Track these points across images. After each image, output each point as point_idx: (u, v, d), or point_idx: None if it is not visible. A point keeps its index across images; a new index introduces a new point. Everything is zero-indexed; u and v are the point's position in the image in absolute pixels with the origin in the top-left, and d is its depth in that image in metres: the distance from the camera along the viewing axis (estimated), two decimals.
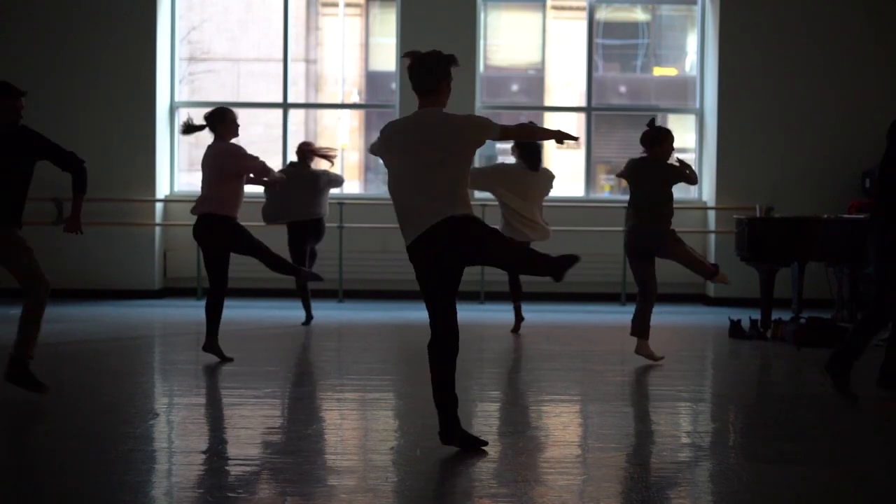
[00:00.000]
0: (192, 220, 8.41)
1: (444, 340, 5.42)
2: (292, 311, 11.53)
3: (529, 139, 8.98)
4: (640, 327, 8.39)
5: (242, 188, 8.41)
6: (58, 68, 13.28)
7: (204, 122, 8.46)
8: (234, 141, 8.50)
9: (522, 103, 14.53)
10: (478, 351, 9.34)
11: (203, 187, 8.38)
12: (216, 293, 8.31)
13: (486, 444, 5.51)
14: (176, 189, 13.76)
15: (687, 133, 13.95)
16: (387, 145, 5.57)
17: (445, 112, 5.51)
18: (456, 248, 5.34)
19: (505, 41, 14.50)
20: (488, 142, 5.65)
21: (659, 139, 8.42)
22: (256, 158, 8.42)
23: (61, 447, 5.50)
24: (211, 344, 8.32)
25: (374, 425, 6.27)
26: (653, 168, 8.39)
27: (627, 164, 8.62)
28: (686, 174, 8.41)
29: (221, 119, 8.40)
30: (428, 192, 5.35)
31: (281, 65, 13.82)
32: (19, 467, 5.10)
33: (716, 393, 7.59)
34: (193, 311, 11.64)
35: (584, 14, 13.87)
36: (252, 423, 6.24)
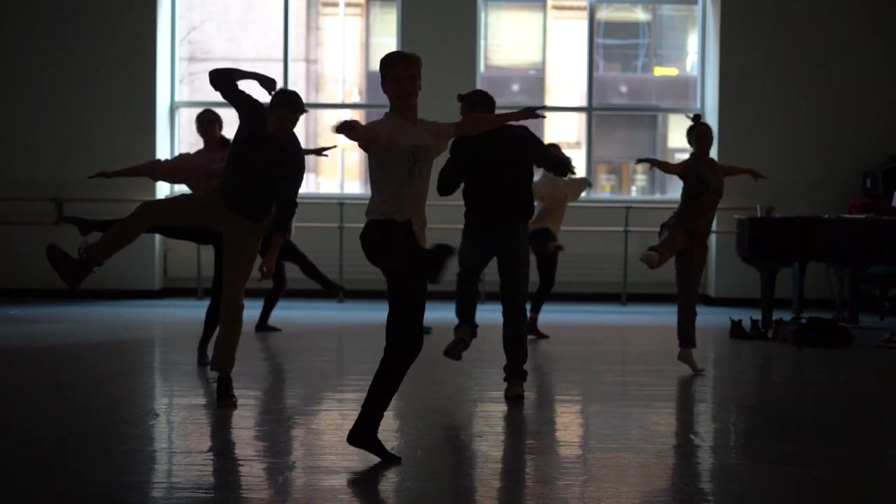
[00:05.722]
0: None
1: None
2: (292, 311, 11.53)
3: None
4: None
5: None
6: (58, 68, 13.28)
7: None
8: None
9: (523, 103, 14.52)
10: (478, 351, 9.32)
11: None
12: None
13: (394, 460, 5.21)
14: (176, 189, 13.75)
15: None
16: None
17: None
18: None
19: (505, 41, 14.50)
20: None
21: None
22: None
23: (61, 447, 5.49)
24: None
25: None
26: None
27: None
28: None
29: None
30: None
31: (281, 65, 13.82)
32: (19, 467, 5.09)
33: (717, 393, 7.58)
34: (193, 312, 11.63)
35: (585, 14, 13.86)
36: (252, 423, 6.23)
